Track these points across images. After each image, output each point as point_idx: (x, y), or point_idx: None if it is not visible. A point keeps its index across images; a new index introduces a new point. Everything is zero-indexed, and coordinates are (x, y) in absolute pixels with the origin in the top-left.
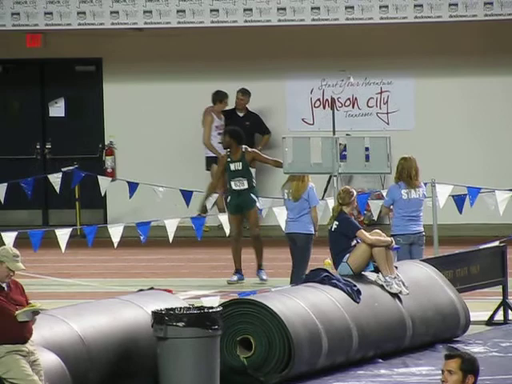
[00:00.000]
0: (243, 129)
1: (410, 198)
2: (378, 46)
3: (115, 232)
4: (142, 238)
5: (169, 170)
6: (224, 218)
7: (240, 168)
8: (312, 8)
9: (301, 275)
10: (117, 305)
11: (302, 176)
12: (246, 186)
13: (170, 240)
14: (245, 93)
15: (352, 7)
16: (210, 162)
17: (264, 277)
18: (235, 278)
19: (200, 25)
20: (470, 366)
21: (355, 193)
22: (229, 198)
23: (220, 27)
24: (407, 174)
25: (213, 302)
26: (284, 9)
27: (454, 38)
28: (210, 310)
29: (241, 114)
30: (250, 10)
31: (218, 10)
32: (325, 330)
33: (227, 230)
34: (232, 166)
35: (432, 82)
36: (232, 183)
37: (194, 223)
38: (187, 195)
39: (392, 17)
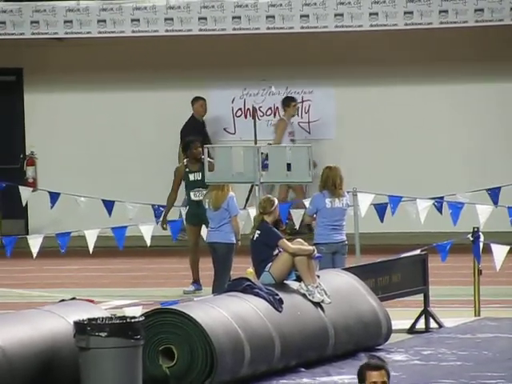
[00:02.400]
0: (205, 134)
1: (333, 207)
2: (299, 55)
3: (34, 242)
4: (62, 249)
5: (90, 179)
6: (144, 229)
7: (199, 178)
8: (233, 17)
9: (223, 284)
10: (38, 315)
11: (221, 185)
12: None
13: (91, 250)
14: (204, 99)
15: (273, 16)
16: None
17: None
18: (192, 288)
19: (121, 34)
20: (388, 375)
21: (277, 202)
22: (187, 208)
23: (141, 37)
24: (332, 182)
25: (135, 311)
26: (205, 18)
27: (372, 47)
28: (132, 320)
29: (201, 120)
30: (171, 19)
31: (138, 20)
32: (247, 338)
33: (148, 241)
34: (191, 177)
35: (352, 90)
36: (191, 194)
37: (116, 233)
38: (108, 205)
39: (312, 26)
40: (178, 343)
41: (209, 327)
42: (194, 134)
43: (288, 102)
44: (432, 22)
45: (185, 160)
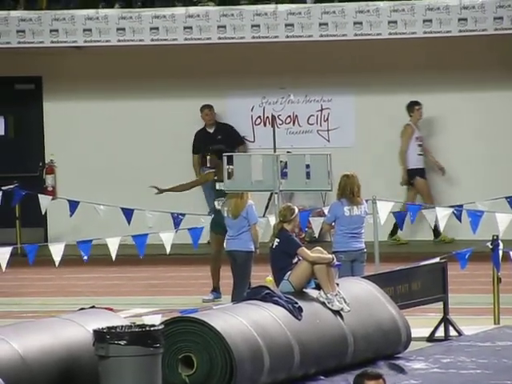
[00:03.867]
0: (216, 143)
1: (352, 215)
2: (318, 63)
3: (56, 250)
4: (84, 257)
5: (109, 187)
6: (165, 237)
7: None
8: (252, 25)
9: (242, 293)
10: (58, 323)
11: (240, 194)
12: None
13: (113, 258)
14: (210, 108)
15: (292, 25)
16: (413, 174)
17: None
18: (211, 296)
19: (140, 43)
20: None
21: (297, 210)
22: (212, 216)
23: (160, 45)
24: (350, 190)
25: (154, 320)
26: (224, 26)
27: (392, 55)
28: (152, 328)
29: (211, 130)
30: (190, 27)
31: (157, 28)
32: (266, 347)
33: (168, 249)
34: (217, 185)
35: (371, 98)
36: (216, 203)
37: (136, 241)
38: (127, 213)
39: (331, 34)
40: (197, 351)
41: (228, 335)
42: (200, 144)
43: (412, 106)
44: (451, 30)
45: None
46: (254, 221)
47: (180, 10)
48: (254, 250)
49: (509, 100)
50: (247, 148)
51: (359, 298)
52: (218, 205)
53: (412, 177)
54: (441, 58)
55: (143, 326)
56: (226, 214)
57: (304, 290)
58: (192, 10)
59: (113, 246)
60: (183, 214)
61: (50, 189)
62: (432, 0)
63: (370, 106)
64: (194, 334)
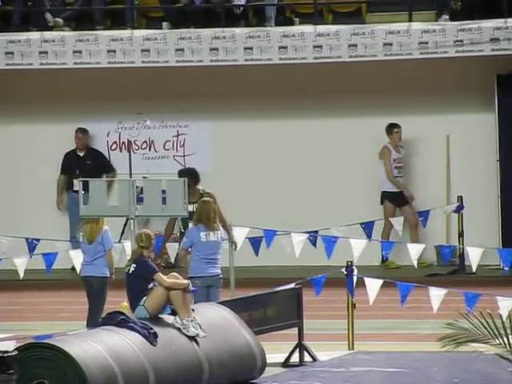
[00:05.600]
0: (85, 169)
1: (208, 241)
2: (174, 88)
3: None
4: None
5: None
6: (19, 262)
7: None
8: (108, 51)
9: (97, 318)
10: None
11: (96, 219)
12: None
13: None
14: (83, 131)
15: (148, 50)
16: (385, 197)
17: None
18: None
19: (28, 66)
20: None
21: (153, 236)
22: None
23: (16, 69)
24: (206, 216)
25: (8, 345)
26: (80, 51)
27: (248, 81)
28: (5, 355)
29: (81, 154)
30: (46, 52)
31: (13, 53)
32: (121, 373)
33: (21, 274)
34: (190, 208)
35: (228, 124)
36: (190, 225)
37: None
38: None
39: (187, 59)
40: (51, 377)
41: (82, 361)
42: (69, 166)
43: (391, 129)
44: (307, 56)
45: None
46: (110, 246)
47: (35, 35)
48: (109, 275)
49: (357, 127)
50: (116, 175)
51: (215, 324)
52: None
53: (383, 199)
54: (295, 83)
55: None
56: (81, 239)
57: (160, 315)
58: (47, 34)
59: None
60: (38, 240)
61: None
62: (287, 27)
63: (226, 132)
64: (48, 360)
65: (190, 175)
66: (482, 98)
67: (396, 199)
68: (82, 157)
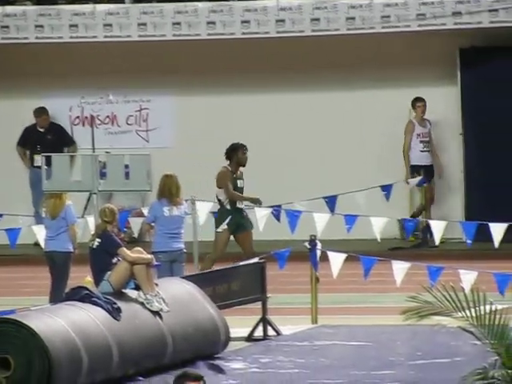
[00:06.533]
0: (46, 143)
1: (171, 215)
2: (137, 63)
3: None
4: None
5: None
6: None
7: (243, 186)
8: (70, 25)
9: (61, 294)
10: None
11: (59, 194)
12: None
13: None
14: (44, 111)
15: (110, 25)
16: (415, 171)
17: None
18: None
19: None
20: None
21: (117, 211)
22: (230, 216)
23: (11, 43)
24: (169, 190)
25: None
26: (42, 26)
27: (209, 56)
28: None
29: (42, 129)
30: (7, 26)
31: (8, 27)
32: (85, 348)
33: None
34: (239, 183)
35: (192, 99)
36: (237, 201)
37: None
38: None
39: (150, 34)
40: (14, 353)
41: (45, 336)
42: (29, 140)
43: (414, 103)
44: (269, 30)
45: (227, 165)
46: (73, 221)
47: None
48: (72, 250)
49: (319, 100)
50: (76, 149)
51: (178, 299)
52: (238, 203)
53: (413, 173)
54: (256, 59)
55: None
56: (43, 215)
57: (123, 290)
58: (9, 9)
59: None
60: (1, 215)
61: None
62: (250, 2)
63: (189, 107)
64: (11, 335)
65: (235, 150)
66: (445, 72)
67: (425, 172)
68: (42, 132)
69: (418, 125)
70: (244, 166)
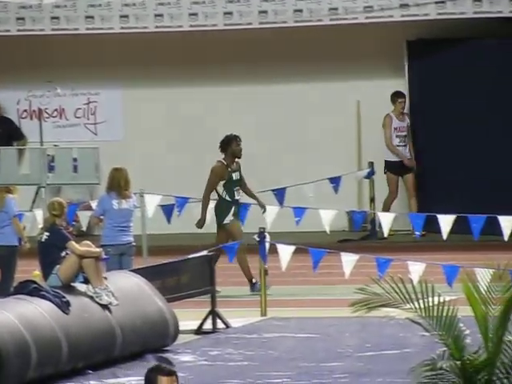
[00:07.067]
0: None
1: (120, 209)
2: (85, 56)
3: None
4: None
5: None
6: None
7: (239, 178)
8: (17, 18)
9: (8, 287)
10: None
11: (3, 187)
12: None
13: None
14: None
15: (57, 18)
16: (386, 167)
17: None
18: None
19: None
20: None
21: (66, 204)
22: (232, 208)
23: None
24: (118, 184)
25: None
26: None
27: (158, 49)
28: None
29: None
30: None
31: None
32: (34, 341)
33: None
34: (234, 176)
35: (140, 92)
36: (235, 193)
37: None
38: None
39: (97, 27)
40: None
41: None
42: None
43: (395, 98)
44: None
45: (222, 159)
46: (12, 214)
47: None
48: (17, 244)
49: (262, 92)
50: (26, 143)
51: (127, 292)
52: (236, 195)
53: (386, 169)
54: (213, 50)
55: None
56: None
57: (72, 284)
58: None
59: None
60: None
61: None
62: None
63: (137, 99)
64: None
65: (228, 142)
66: (393, 64)
67: (397, 168)
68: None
69: (396, 119)
70: (239, 157)
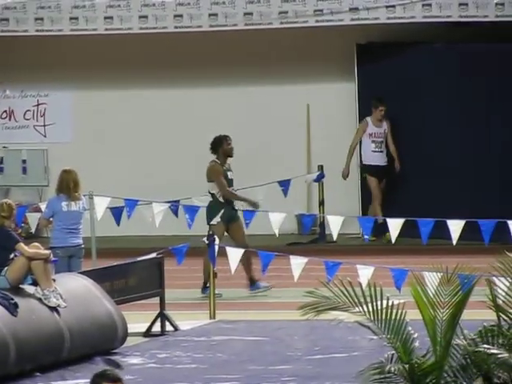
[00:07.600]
0: None
1: (70, 211)
2: (34, 57)
3: None
4: None
5: None
6: None
7: (232, 177)
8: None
9: None
10: None
11: None
12: None
13: None
14: None
15: (7, 19)
16: (364, 170)
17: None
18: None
19: None
20: None
21: (15, 206)
22: (223, 209)
23: None
24: (67, 186)
25: None
26: None
27: (108, 51)
28: None
29: None
30: None
31: None
32: None
33: None
34: (229, 174)
35: (89, 94)
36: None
37: None
38: None
39: (47, 29)
40: None
41: None
42: None
43: (376, 103)
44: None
45: (215, 159)
46: None
47: None
48: None
49: (231, 95)
50: None
51: (76, 294)
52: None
53: (363, 172)
54: (167, 53)
55: None
56: None
57: (21, 285)
58: None
59: None
60: None
61: None
62: None
63: (87, 102)
64: None
65: (219, 141)
66: (342, 68)
67: (377, 172)
68: None
69: (372, 124)
70: (231, 156)
